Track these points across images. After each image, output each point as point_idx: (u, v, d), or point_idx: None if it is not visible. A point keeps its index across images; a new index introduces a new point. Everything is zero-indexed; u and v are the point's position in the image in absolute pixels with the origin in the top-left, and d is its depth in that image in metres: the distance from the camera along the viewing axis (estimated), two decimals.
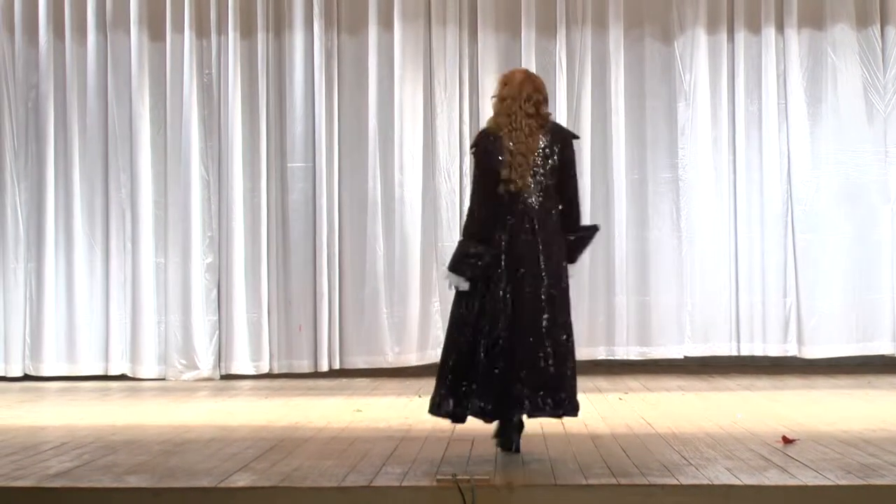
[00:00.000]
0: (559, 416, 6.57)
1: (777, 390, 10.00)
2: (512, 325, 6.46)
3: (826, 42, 11.61)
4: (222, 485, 5.73)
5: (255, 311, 11.49)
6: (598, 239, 11.49)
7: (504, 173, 6.51)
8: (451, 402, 6.57)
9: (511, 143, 6.54)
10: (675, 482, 5.66)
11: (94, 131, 11.62)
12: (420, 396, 9.71)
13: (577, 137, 6.87)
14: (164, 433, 7.67)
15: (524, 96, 6.63)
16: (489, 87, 11.55)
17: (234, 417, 8.52)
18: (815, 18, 11.65)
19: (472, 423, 7.92)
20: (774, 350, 11.59)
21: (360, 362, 11.52)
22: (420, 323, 11.50)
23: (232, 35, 11.57)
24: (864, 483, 5.58)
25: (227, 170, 11.53)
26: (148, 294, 11.52)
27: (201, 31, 11.64)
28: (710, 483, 5.63)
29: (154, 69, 11.65)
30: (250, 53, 11.61)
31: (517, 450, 6.61)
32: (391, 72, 11.59)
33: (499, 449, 6.63)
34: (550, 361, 6.43)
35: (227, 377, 11.44)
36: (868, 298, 11.52)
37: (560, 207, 6.64)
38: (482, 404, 6.50)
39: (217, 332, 11.53)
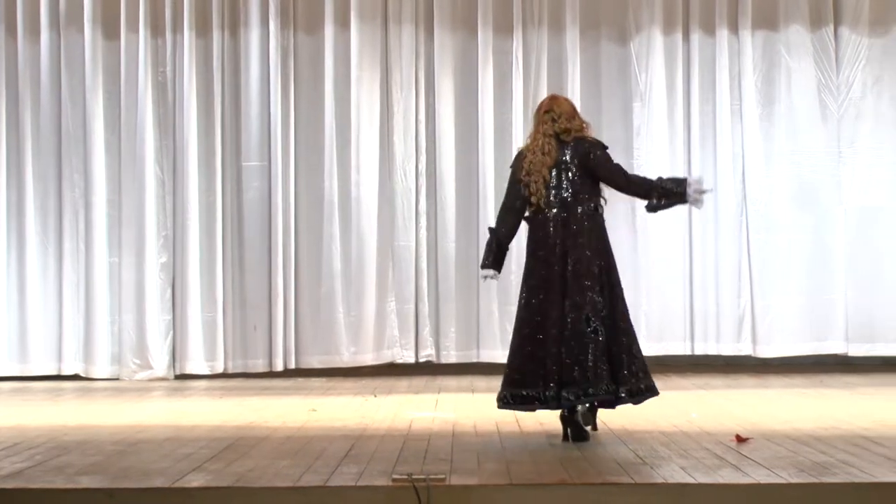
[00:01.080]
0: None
1: (731, 389, 10.05)
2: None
3: (780, 43, 11.68)
4: (177, 485, 5.70)
5: (210, 310, 11.45)
6: None
7: (523, 189, 7.20)
8: None
9: (528, 162, 7.20)
10: (630, 481, 5.67)
11: (47, 130, 11.55)
12: (375, 396, 9.72)
13: (603, 147, 7.31)
14: (117, 433, 7.62)
15: (541, 118, 7.29)
16: (446, 86, 11.60)
17: (189, 417, 8.48)
18: (769, 20, 11.72)
19: (429, 424, 7.93)
20: (729, 349, 11.65)
21: (315, 362, 11.50)
22: (376, 322, 11.49)
23: (187, 33, 11.52)
24: (817, 481, 5.61)
25: (182, 169, 11.49)
26: (101, 294, 11.46)
27: (156, 29, 11.59)
28: (664, 482, 5.65)
29: (108, 68, 11.59)
30: (206, 52, 11.57)
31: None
32: (348, 71, 11.58)
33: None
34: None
35: (182, 377, 11.40)
36: (821, 298, 11.60)
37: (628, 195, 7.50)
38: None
39: (171, 331, 11.48)
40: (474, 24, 11.68)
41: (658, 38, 11.70)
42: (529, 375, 7.02)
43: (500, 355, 11.43)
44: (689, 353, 11.68)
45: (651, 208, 7.32)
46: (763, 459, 6.21)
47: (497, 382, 9.72)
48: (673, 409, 8.57)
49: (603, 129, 11.66)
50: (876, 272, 11.60)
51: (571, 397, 6.90)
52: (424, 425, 7.88)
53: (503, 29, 11.70)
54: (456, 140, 11.64)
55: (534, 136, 7.28)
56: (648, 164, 11.64)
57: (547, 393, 6.95)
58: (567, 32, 11.68)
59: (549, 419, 7.83)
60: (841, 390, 9.89)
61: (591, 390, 6.89)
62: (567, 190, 7.15)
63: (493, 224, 7.48)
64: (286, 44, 11.59)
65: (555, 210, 7.14)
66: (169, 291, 11.50)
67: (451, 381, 10.82)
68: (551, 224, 7.13)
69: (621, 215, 11.65)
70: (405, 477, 5.61)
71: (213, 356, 11.46)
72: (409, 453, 6.60)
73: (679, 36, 11.74)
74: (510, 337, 11.02)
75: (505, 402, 7.11)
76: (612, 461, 6.25)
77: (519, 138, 11.58)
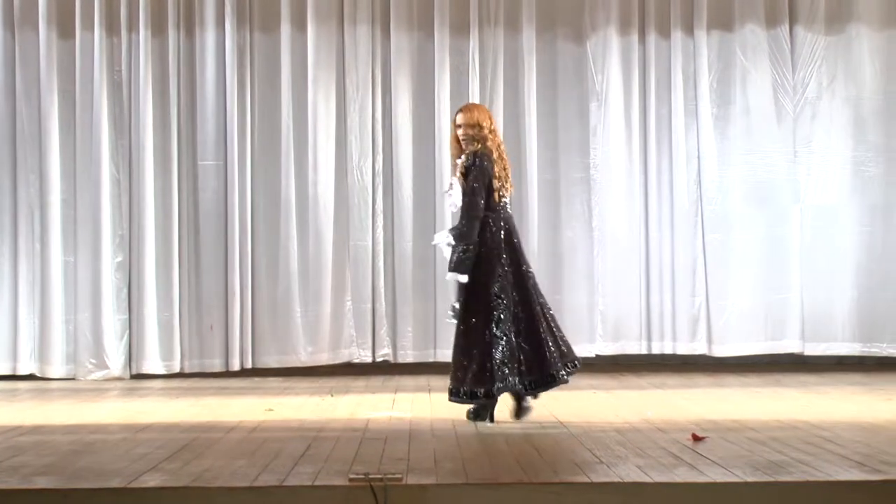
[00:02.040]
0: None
1: (687, 388, 10.09)
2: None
3: (735, 43, 11.74)
4: (132, 485, 5.68)
5: (167, 310, 11.41)
6: None
7: (496, 184, 7.87)
8: None
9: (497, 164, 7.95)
10: (586, 480, 5.69)
11: (1, 130, 11.47)
12: (332, 396, 9.71)
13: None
14: (73, 433, 7.59)
15: (493, 126, 8.08)
16: (402, 86, 11.59)
17: (145, 417, 8.44)
18: (724, 20, 11.77)
19: (386, 424, 7.93)
20: (684, 348, 11.70)
21: (272, 361, 11.47)
22: (333, 322, 11.48)
23: (143, 32, 11.46)
24: (772, 480, 5.64)
25: (138, 168, 11.44)
26: (57, 293, 11.40)
27: (112, 28, 11.53)
28: (620, 481, 5.66)
29: (63, 67, 11.52)
30: (161, 51, 11.52)
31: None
32: (304, 71, 11.56)
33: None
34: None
35: (138, 377, 11.35)
36: (777, 298, 11.66)
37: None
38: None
39: (127, 331, 11.43)
40: (431, 24, 11.69)
41: (614, 39, 11.74)
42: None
43: None
44: (645, 352, 11.73)
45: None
46: (719, 458, 6.24)
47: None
48: (629, 408, 8.61)
49: (559, 130, 11.75)
50: (831, 271, 11.67)
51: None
52: (381, 425, 7.88)
53: (459, 29, 11.71)
54: (413, 140, 11.64)
55: (496, 142, 8.00)
56: (605, 164, 11.69)
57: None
58: (523, 32, 11.71)
59: (505, 419, 7.85)
60: (796, 389, 9.95)
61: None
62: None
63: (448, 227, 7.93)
64: (242, 43, 11.56)
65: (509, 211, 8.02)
66: (125, 291, 11.45)
67: (408, 380, 10.82)
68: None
69: (578, 215, 11.70)
70: (362, 476, 5.61)
71: (169, 356, 11.42)
72: (366, 453, 6.60)
73: (635, 37, 11.79)
74: None
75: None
76: (568, 460, 6.27)
77: None
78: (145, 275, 11.40)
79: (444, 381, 10.11)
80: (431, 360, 11.43)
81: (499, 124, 11.59)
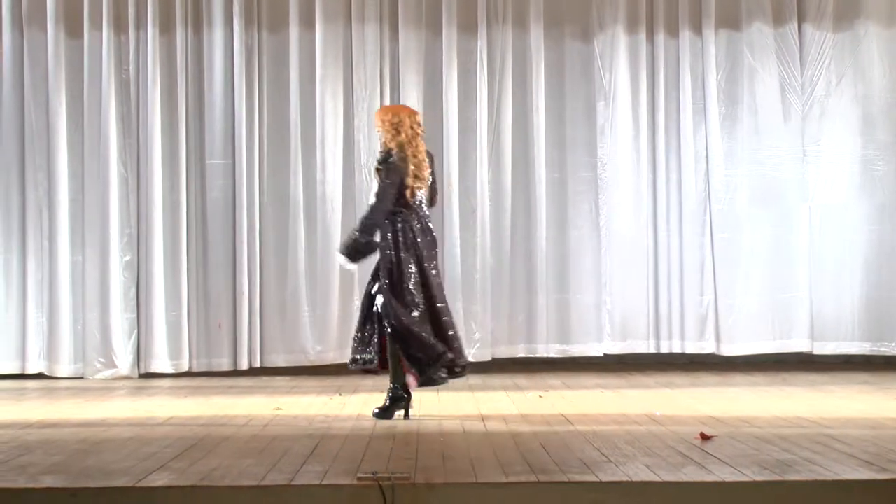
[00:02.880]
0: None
1: (695, 387, 10.09)
2: None
3: (743, 42, 11.72)
4: (140, 484, 5.68)
5: (175, 309, 11.42)
6: (518, 238, 11.70)
7: (409, 181, 8.03)
8: None
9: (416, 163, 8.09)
10: (594, 479, 5.68)
11: (10, 129, 11.48)
12: (341, 395, 9.71)
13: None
14: (81, 432, 7.59)
15: (413, 125, 8.19)
16: (410, 85, 11.59)
17: (153, 416, 8.45)
18: (732, 19, 11.76)
19: (394, 423, 7.93)
20: (692, 347, 11.69)
21: (280, 360, 11.48)
22: (340, 321, 11.47)
23: (151, 31, 11.47)
24: (780, 479, 5.64)
25: (146, 167, 11.45)
26: (65, 292, 11.41)
27: (119, 27, 11.54)
28: (628, 480, 5.66)
29: (71, 66, 11.53)
30: (169, 50, 11.53)
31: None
32: (312, 69, 11.56)
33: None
34: None
35: (146, 376, 11.36)
36: (785, 296, 11.65)
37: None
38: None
39: (136, 330, 11.44)
40: (439, 22, 11.68)
41: (622, 38, 11.74)
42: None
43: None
44: (653, 351, 11.72)
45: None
46: (727, 457, 6.23)
47: (462, 380, 9.75)
48: (637, 407, 8.60)
49: (566, 128, 11.74)
50: (840, 270, 11.66)
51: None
52: (389, 424, 7.88)
53: (467, 28, 11.70)
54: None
55: (407, 140, 8.11)
56: (613, 162, 11.68)
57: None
58: (531, 31, 11.70)
59: (512, 418, 7.85)
60: (804, 388, 9.94)
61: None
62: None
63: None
64: (250, 43, 11.56)
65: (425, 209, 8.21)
66: (133, 290, 11.46)
67: None
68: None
69: (585, 213, 11.70)
70: (370, 475, 5.61)
71: (177, 355, 11.43)
72: (374, 452, 6.60)
73: (643, 35, 11.78)
74: (475, 336, 11.06)
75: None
76: (576, 459, 6.27)
77: (484, 136, 11.61)
78: (153, 274, 11.40)
79: (454, 380, 10.16)
80: None
81: (507, 122, 11.63)
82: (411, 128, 8.15)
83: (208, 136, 11.52)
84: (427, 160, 8.21)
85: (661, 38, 11.75)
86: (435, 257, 8.16)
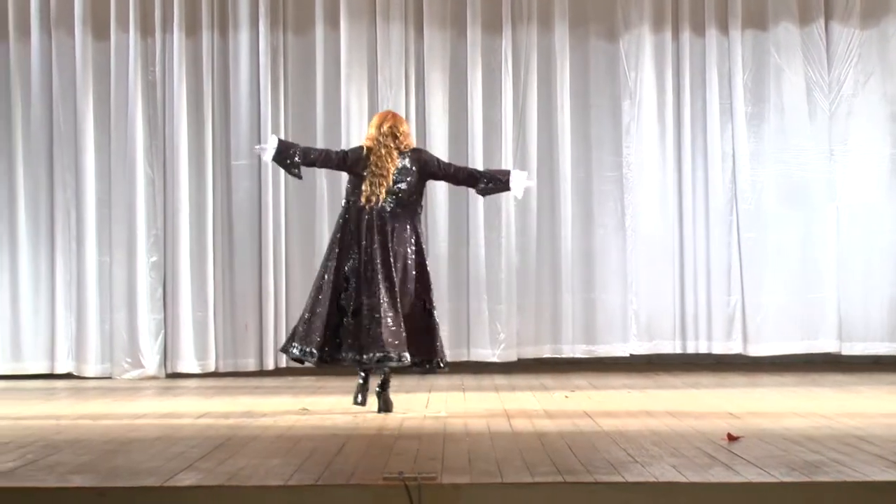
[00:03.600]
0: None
1: (722, 388, 10.06)
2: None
3: (770, 42, 11.68)
4: (168, 484, 5.70)
5: (201, 309, 11.45)
6: (544, 237, 11.65)
7: (364, 172, 8.43)
8: None
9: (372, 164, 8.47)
10: (620, 479, 5.67)
11: (38, 130, 11.54)
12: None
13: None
14: (109, 432, 7.62)
15: (384, 130, 8.54)
16: (436, 84, 11.60)
17: (180, 416, 8.47)
18: (758, 18, 11.73)
19: (420, 423, 7.93)
20: (719, 348, 11.66)
21: None
22: None
23: (177, 33, 11.51)
24: (808, 480, 5.61)
25: (173, 168, 11.48)
26: (93, 293, 11.46)
27: (146, 29, 11.57)
28: (655, 480, 5.65)
29: (98, 68, 11.57)
30: (195, 52, 11.57)
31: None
32: (337, 69, 11.58)
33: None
34: None
35: (173, 376, 11.40)
36: (812, 296, 11.61)
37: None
38: None
39: (162, 330, 11.48)
40: (464, 21, 11.69)
41: (648, 37, 11.72)
42: None
43: (490, 354, 11.47)
44: (679, 351, 11.70)
45: (482, 192, 8.75)
46: (754, 458, 6.21)
47: (487, 381, 9.76)
48: (664, 407, 8.58)
49: (592, 127, 11.73)
50: (867, 270, 11.61)
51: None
52: (415, 424, 7.88)
53: (492, 26, 11.71)
54: (447, 138, 11.64)
55: (378, 140, 8.52)
56: (638, 162, 11.66)
57: None
58: (556, 30, 11.69)
59: (539, 418, 7.84)
60: (832, 389, 9.90)
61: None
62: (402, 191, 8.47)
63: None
64: (276, 44, 11.59)
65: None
66: (160, 290, 11.50)
67: (442, 379, 10.81)
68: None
69: (611, 213, 11.68)
70: (396, 476, 5.61)
71: (204, 355, 11.46)
72: (400, 452, 6.60)
73: (669, 34, 11.76)
74: (500, 336, 11.04)
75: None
76: (603, 460, 6.26)
77: (509, 135, 11.60)
78: (180, 274, 11.44)
79: (479, 381, 10.17)
80: (465, 359, 11.43)
81: (532, 121, 11.62)
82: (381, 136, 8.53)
83: (234, 137, 11.54)
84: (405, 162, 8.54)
85: (686, 37, 11.73)
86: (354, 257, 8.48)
